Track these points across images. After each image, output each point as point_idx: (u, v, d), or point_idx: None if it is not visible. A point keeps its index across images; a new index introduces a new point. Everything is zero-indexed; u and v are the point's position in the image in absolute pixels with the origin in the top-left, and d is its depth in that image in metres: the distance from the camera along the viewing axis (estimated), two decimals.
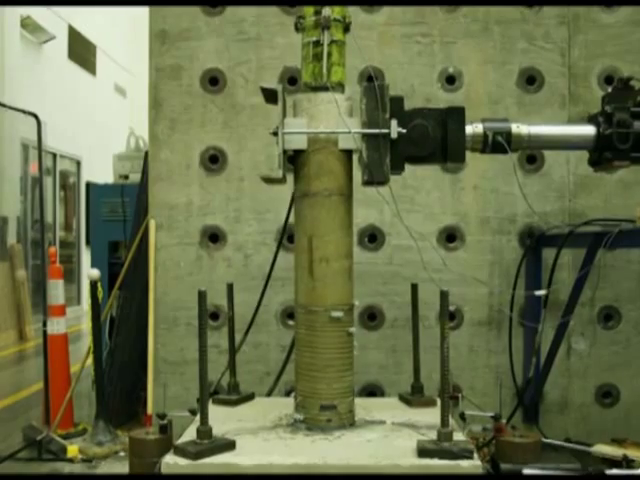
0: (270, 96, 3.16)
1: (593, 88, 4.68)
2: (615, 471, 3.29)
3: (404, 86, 4.53)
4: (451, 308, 4.45)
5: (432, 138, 3.15)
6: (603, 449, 3.78)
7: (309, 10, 3.09)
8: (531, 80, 4.69)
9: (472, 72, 4.68)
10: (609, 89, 3.49)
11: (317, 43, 3.07)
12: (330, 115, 3.06)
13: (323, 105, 3.07)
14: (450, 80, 4.69)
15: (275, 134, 3.06)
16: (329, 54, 3.07)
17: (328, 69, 3.07)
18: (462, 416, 3.32)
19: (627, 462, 3.42)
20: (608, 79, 4.63)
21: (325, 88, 3.08)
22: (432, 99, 4.60)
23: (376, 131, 3.04)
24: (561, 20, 4.68)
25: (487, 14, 4.68)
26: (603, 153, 3.32)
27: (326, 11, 3.03)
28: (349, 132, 3.04)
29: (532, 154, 4.66)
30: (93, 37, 14.42)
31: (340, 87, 3.13)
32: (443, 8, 4.66)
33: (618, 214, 4.24)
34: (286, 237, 4.33)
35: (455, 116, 3.19)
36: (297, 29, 3.17)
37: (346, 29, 3.16)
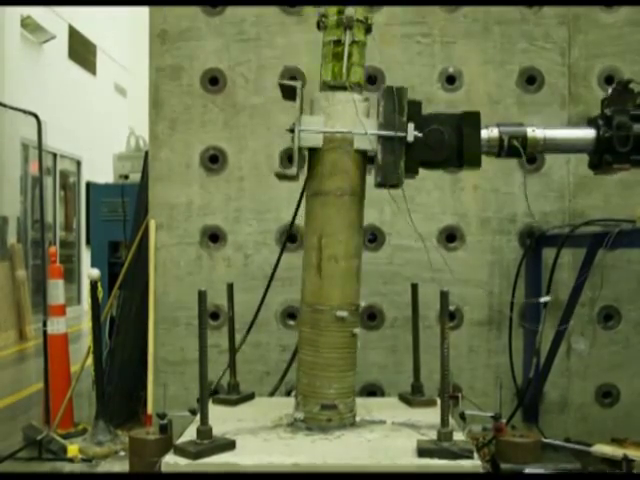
0: (288, 93, 3.14)
1: (593, 88, 4.68)
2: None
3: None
4: (451, 308, 4.45)
5: (448, 143, 3.13)
6: (603, 449, 3.78)
7: (332, 9, 3.07)
8: (531, 80, 4.68)
9: (472, 72, 4.68)
10: (609, 89, 3.48)
11: (338, 42, 3.05)
12: (347, 115, 3.04)
13: (341, 105, 3.05)
14: (450, 80, 4.68)
15: (292, 131, 3.03)
16: (350, 54, 3.05)
17: (348, 69, 3.05)
18: (462, 416, 3.32)
19: (627, 462, 3.41)
20: (608, 79, 4.63)
21: (344, 88, 3.06)
22: (432, 99, 4.59)
23: (393, 134, 3.03)
24: (561, 20, 4.68)
25: (487, 14, 4.68)
26: (603, 156, 3.31)
27: (349, 11, 3.02)
28: (365, 133, 3.03)
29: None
30: (93, 37, 14.42)
31: (358, 87, 3.11)
32: (443, 8, 4.66)
33: (618, 214, 4.23)
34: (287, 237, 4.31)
35: (471, 121, 3.17)
36: (319, 27, 3.14)
37: (368, 30, 3.13)
